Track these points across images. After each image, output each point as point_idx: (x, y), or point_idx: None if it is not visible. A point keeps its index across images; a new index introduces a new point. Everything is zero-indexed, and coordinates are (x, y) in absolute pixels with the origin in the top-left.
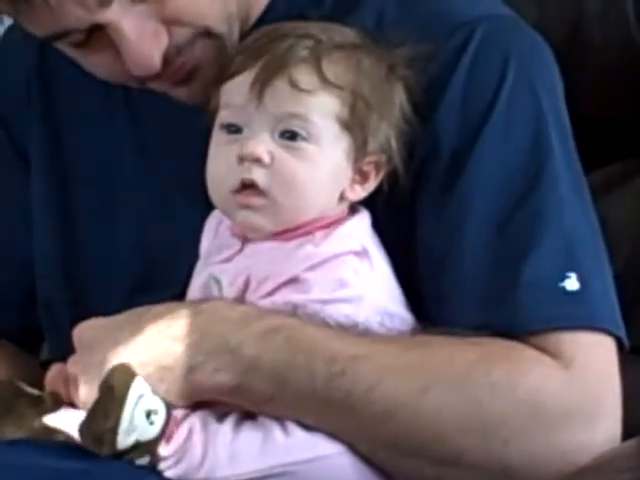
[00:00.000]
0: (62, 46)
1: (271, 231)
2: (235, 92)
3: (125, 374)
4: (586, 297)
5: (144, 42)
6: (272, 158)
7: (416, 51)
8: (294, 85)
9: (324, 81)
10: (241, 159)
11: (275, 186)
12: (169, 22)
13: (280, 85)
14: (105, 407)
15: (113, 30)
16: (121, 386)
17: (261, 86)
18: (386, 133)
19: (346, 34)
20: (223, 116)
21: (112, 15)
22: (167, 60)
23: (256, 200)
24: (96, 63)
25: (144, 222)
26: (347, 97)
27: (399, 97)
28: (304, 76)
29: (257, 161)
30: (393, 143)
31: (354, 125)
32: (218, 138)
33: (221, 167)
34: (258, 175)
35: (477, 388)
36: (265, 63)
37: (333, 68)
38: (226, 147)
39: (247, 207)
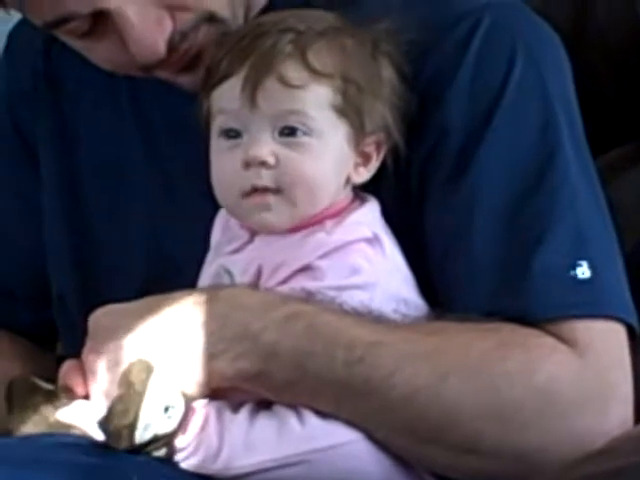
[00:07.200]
0: (67, 38)
1: (287, 228)
2: (227, 97)
3: (143, 369)
4: (597, 285)
5: (148, 28)
6: (277, 158)
7: (395, 23)
8: (285, 82)
9: (313, 73)
10: (247, 164)
11: (286, 184)
12: (172, 8)
13: (271, 84)
14: (124, 403)
15: (117, 17)
16: (139, 382)
17: (252, 89)
18: (381, 111)
19: (325, 19)
20: (220, 122)
21: (115, 1)
22: (171, 46)
23: (271, 198)
24: (101, 53)
25: (154, 213)
26: (338, 84)
27: (387, 72)
28: (293, 72)
29: (263, 164)
30: (389, 119)
31: (349, 110)
32: (218, 145)
33: (227, 173)
34: (267, 178)
35: (494, 375)
36: (252, 64)
37: (319, 57)
38: (229, 153)
39: (262, 207)
